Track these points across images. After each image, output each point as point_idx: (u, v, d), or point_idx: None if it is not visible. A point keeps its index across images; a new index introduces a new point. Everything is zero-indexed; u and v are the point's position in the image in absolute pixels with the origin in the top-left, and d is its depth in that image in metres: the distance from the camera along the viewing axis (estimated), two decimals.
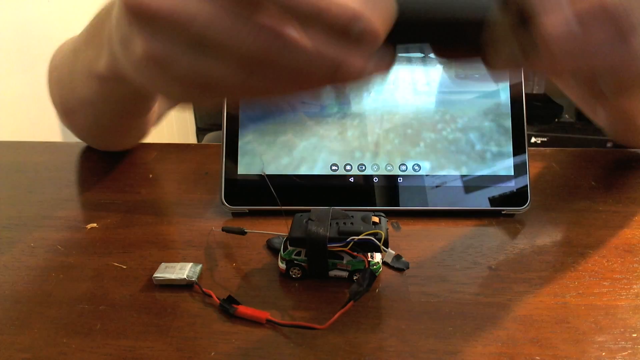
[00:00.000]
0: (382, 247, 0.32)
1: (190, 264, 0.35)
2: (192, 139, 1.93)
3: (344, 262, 0.33)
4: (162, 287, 0.34)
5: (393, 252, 0.33)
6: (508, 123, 0.44)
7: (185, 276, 0.33)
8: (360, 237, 0.32)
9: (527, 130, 0.43)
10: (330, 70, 0.21)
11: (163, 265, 0.35)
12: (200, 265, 0.35)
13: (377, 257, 0.34)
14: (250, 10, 0.20)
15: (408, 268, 0.36)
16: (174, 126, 1.78)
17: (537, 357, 0.28)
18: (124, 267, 0.36)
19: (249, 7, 0.20)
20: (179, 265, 0.35)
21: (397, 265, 0.36)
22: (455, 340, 0.29)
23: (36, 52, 0.94)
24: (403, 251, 0.37)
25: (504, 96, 0.44)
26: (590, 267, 0.36)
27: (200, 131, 1.93)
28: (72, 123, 0.50)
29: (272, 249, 0.38)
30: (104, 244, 0.39)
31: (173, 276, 0.34)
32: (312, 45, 0.20)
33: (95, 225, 0.41)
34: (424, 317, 0.31)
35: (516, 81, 0.44)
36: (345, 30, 0.20)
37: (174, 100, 0.26)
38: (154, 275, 0.34)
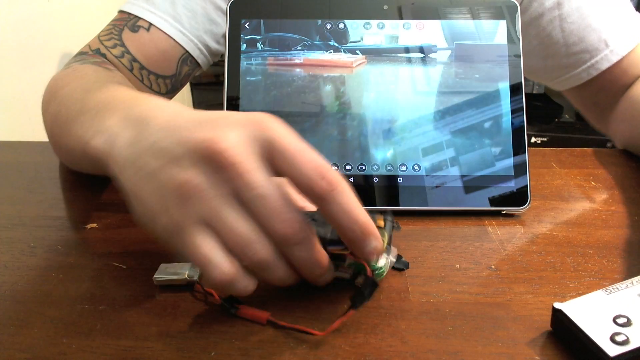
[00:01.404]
0: (384, 254, 0.32)
1: (190, 264, 0.35)
2: None
3: (346, 264, 0.33)
4: (163, 287, 0.34)
5: (395, 251, 0.33)
6: (508, 123, 0.44)
7: (186, 276, 0.33)
8: None
9: (527, 130, 0.43)
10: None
11: (163, 265, 0.35)
12: None
13: (381, 261, 0.33)
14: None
15: (408, 268, 0.36)
16: None
17: (537, 357, 0.28)
18: (124, 267, 0.36)
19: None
20: (179, 265, 0.35)
21: (397, 265, 0.35)
22: (455, 340, 0.29)
23: (37, 52, 0.94)
24: (403, 251, 0.37)
25: (504, 96, 0.44)
26: (590, 267, 0.36)
27: None
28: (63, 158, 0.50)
29: None
30: (104, 244, 0.39)
31: (174, 276, 0.33)
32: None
33: (95, 225, 0.41)
34: (424, 317, 0.31)
35: (516, 81, 0.44)
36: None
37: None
38: (155, 276, 0.34)
